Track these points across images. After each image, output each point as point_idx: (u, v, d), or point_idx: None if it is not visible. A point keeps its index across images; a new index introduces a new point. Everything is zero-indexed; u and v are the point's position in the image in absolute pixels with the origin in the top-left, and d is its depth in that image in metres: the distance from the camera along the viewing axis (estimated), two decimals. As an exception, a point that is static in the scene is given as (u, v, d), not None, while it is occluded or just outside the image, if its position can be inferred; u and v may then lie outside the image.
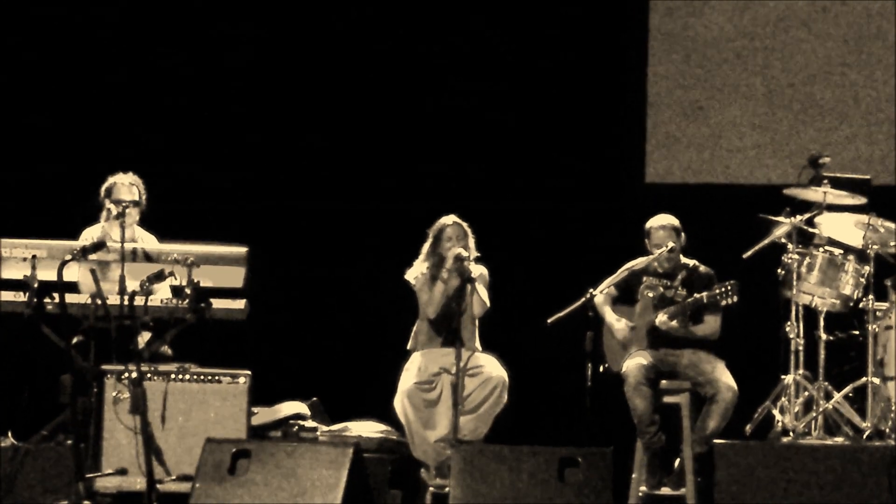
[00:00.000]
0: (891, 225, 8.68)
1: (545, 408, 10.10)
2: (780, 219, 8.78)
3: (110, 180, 8.80)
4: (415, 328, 8.95)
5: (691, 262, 8.86)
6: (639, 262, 8.81)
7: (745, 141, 10.81)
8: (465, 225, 8.87)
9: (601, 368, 8.76)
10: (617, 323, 8.80)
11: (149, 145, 10.60)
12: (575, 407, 8.47)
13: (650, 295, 8.76)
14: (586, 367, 8.30)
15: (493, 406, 8.66)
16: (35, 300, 7.99)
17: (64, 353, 7.88)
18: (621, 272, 8.72)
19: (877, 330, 8.66)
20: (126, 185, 8.76)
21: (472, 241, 8.87)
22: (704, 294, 8.57)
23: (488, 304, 8.78)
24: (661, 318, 8.61)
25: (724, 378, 8.54)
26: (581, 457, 7.59)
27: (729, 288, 8.50)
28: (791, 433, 8.44)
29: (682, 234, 8.77)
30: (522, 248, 10.57)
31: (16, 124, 10.74)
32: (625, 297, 8.87)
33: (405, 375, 8.76)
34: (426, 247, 8.92)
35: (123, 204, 8.61)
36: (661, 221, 8.77)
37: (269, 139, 10.94)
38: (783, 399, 8.62)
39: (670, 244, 8.69)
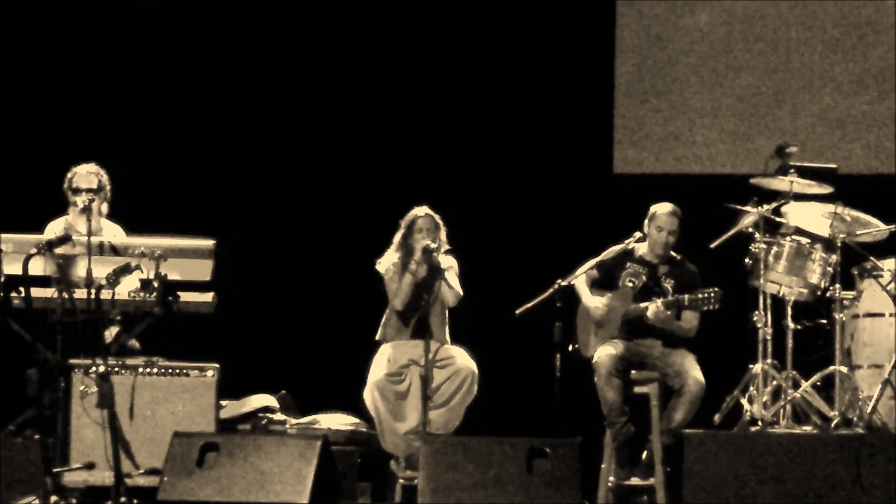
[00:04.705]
0: (857, 214, 8.71)
1: (514, 399, 10.09)
2: (748, 208, 8.79)
3: (72, 170, 8.75)
4: (384, 319, 8.93)
5: (678, 257, 8.87)
6: (610, 252, 8.80)
7: (712, 131, 10.82)
8: (436, 217, 8.84)
9: (570, 348, 8.76)
10: (592, 302, 8.78)
11: (115, 136, 10.55)
12: (544, 398, 8.46)
13: (630, 284, 8.76)
14: (555, 357, 8.30)
15: (463, 398, 8.65)
16: (1, 294, 7.94)
17: (30, 348, 7.83)
18: (590, 264, 8.73)
19: (844, 319, 8.70)
20: (85, 175, 8.70)
21: (443, 234, 8.85)
22: (686, 296, 8.56)
23: (461, 292, 8.75)
24: (654, 307, 8.58)
25: (693, 371, 8.55)
26: (549, 447, 7.59)
27: (712, 295, 8.49)
28: (759, 422, 8.45)
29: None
30: (491, 239, 10.57)
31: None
32: (605, 281, 8.85)
33: (374, 367, 8.75)
34: (398, 237, 8.89)
35: (87, 195, 8.54)
36: (669, 207, 8.77)
37: (238, 130, 10.90)
38: (751, 388, 8.63)
39: (638, 234, 8.71)
